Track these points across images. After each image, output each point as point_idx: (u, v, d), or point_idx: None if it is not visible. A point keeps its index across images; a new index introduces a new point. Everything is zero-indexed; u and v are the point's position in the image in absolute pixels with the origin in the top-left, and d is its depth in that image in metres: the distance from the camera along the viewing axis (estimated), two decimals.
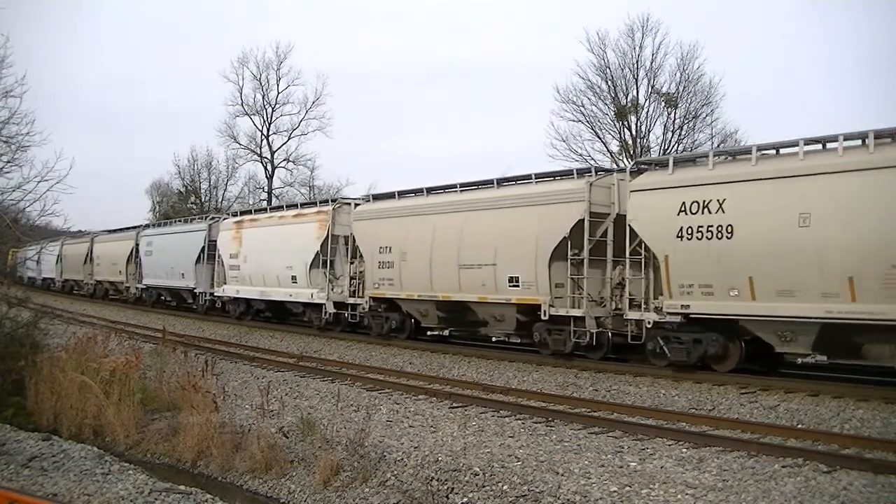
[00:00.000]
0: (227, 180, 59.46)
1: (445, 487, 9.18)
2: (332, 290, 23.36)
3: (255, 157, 55.71)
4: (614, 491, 8.33)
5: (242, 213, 31.05)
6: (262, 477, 10.81)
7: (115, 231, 44.03)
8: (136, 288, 37.73)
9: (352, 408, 12.99)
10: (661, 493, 8.18)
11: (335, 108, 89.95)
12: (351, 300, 22.85)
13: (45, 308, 22.47)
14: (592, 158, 35.77)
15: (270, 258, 26.08)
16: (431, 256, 19.69)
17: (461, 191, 20.09)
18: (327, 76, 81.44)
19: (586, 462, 9.47)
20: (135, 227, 40.44)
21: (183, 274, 32.71)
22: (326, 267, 23.41)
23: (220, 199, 59.14)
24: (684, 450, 10.03)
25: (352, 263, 22.96)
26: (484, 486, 8.95)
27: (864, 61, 68.58)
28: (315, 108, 53.81)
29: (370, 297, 21.81)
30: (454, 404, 13.39)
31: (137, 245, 37.66)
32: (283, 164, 55.45)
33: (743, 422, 11.56)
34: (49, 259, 50.06)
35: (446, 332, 21.58)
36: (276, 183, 55.67)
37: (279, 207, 28.94)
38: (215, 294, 29.97)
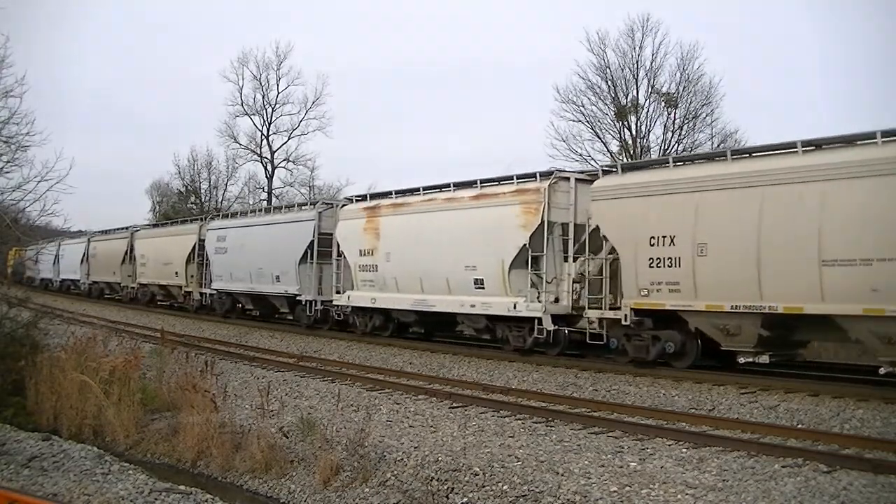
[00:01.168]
0: (227, 180, 59.41)
1: (445, 487, 9.18)
2: (543, 298, 17.24)
3: (255, 157, 55.69)
4: (614, 491, 8.33)
5: (374, 195, 23.14)
6: (262, 477, 10.81)
7: (163, 224, 40.80)
8: (202, 294, 31.94)
9: (352, 408, 12.99)
10: (661, 493, 8.18)
11: (335, 108, 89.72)
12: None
13: (45, 308, 22.50)
14: (593, 158, 35.73)
15: (434, 255, 19.61)
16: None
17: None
18: (327, 76, 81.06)
19: (586, 462, 9.47)
20: (195, 219, 36.83)
21: (278, 276, 25.86)
22: (539, 266, 17.32)
23: (220, 199, 59.15)
24: (684, 450, 10.03)
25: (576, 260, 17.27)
26: (484, 486, 8.95)
27: (864, 61, 68.58)
28: (315, 108, 53.74)
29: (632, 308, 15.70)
30: (454, 404, 13.39)
31: (202, 240, 31.84)
32: (283, 164, 55.40)
33: (743, 422, 11.55)
34: (71, 258, 47.53)
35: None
36: (276, 183, 55.68)
37: (440, 187, 20.38)
38: (335, 303, 23.13)
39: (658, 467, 9.18)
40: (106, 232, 45.15)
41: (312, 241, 24.34)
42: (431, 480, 9.36)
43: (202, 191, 60.80)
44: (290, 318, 26.37)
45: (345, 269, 22.72)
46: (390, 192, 22.07)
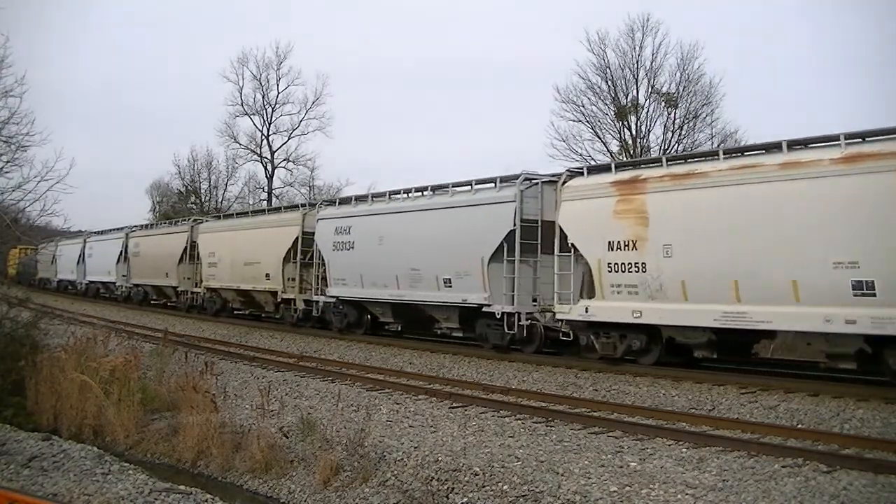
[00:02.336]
0: (227, 180, 59.42)
1: (445, 487, 9.18)
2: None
3: (255, 157, 55.69)
4: (614, 491, 8.33)
5: (627, 164, 18.34)
6: (262, 477, 10.81)
7: (242, 214, 33.46)
8: (310, 302, 25.27)
9: (352, 408, 12.99)
10: (661, 493, 8.18)
11: (335, 108, 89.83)
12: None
13: (45, 308, 22.50)
14: (593, 158, 35.72)
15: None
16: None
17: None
18: (327, 76, 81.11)
19: (586, 462, 9.47)
20: (294, 207, 30.22)
21: (449, 280, 19.27)
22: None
23: (220, 199, 59.16)
24: (684, 450, 10.03)
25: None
26: (484, 486, 8.95)
27: (864, 61, 68.55)
28: (315, 108, 53.74)
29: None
30: (454, 404, 13.38)
31: (307, 232, 25.17)
32: (283, 164, 55.40)
33: (743, 422, 11.55)
34: (101, 257, 42.74)
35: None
36: (276, 183, 55.65)
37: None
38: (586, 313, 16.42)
39: (658, 467, 9.18)
40: (151, 226, 41.88)
41: (514, 231, 17.82)
42: (431, 480, 9.36)
43: (202, 191, 60.88)
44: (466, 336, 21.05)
45: (583, 275, 16.79)
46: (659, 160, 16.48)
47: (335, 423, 11.59)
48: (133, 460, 11.94)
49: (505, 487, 8.79)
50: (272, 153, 55.14)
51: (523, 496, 8.55)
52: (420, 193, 21.30)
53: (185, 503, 9.45)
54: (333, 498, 9.78)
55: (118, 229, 42.43)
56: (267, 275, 26.75)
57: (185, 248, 31.73)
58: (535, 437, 10.96)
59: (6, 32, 16.40)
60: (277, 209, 32.18)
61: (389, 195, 22.72)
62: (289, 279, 25.86)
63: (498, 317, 18.00)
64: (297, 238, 25.46)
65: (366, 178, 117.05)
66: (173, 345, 19.11)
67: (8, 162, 16.54)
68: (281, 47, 57.73)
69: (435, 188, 20.87)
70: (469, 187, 19.88)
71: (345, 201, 24.56)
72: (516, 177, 18.28)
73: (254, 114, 54.71)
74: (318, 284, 24.37)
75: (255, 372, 17.75)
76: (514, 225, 17.66)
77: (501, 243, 17.87)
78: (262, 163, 55.61)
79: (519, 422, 11.97)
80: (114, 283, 38.27)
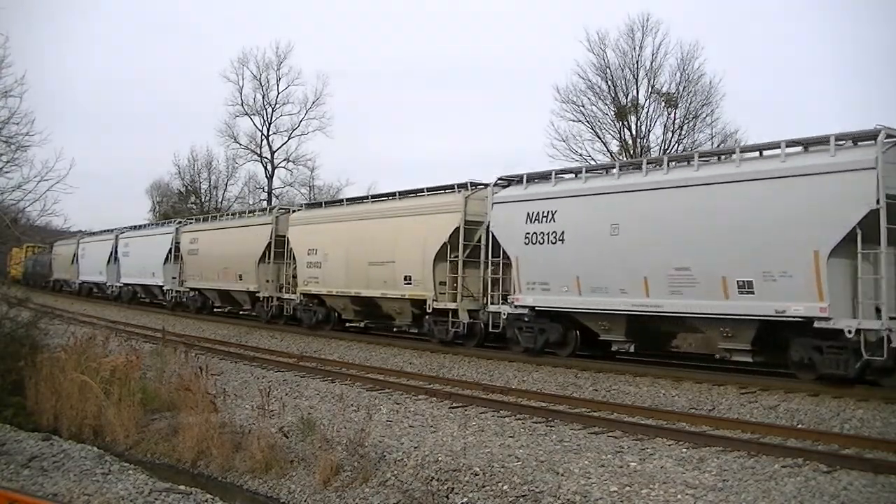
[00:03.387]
0: (227, 180, 59.45)
1: (445, 487, 9.17)
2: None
3: (255, 157, 55.71)
4: (614, 491, 8.33)
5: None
6: (262, 477, 10.80)
7: (375, 199, 24.15)
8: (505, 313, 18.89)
9: (352, 408, 12.99)
10: (661, 493, 8.18)
11: (335, 108, 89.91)
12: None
13: (45, 308, 22.50)
14: (593, 158, 35.73)
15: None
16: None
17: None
18: (327, 76, 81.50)
19: (586, 462, 9.47)
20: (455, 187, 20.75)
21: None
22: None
23: (220, 199, 59.15)
24: (684, 450, 10.03)
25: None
26: (484, 486, 8.95)
27: (864, 60, 68.57)
28: (315, 108, 53.75)
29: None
30: (454, 404, 13.38)
31: (471, 221, 19.49)
32: (283, 164, 55.43)
33: (743, 422, 11.56)
34: (139, 256, 37.64)
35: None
36: (276, 183, 55.64)
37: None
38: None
39: (658, 467, 9.18)
40: (212, 218, 36.02)
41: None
42: (431, 480, 9.36)
43: (202, 191, 60.87)
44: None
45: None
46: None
47: (335, 423, 11.59)
48: (133, 460, 11.94)
49: (505, 487, 8.79)
50: (272, 153, 55.20)
51: (523, 496, 8.55)
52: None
53: (185, 503, 9.44)
54: (333, 498, 9.77)
55: (161, 224, 39.49)
56: (407, 277, 20.68)
57: (269, 244, 26.73)
58: (535, 437, 10.96)
59: (6, 32, 16.44)
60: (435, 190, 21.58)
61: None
62: (439, 283, 19.80)
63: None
64: (457, 228, 19.49)
65: (366, 178, 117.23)
66: (173, 344, 19.08)
67: (8, 162, 16.57)
68: (281, 47, 57.84)
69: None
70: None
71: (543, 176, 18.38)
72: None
73: (254, 114, 54.78)
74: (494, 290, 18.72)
75: (255, 372, 17.77)
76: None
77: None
78: (262, 163, 55.68)
79: (519, 422, 11.97)
80: (160, 286, 34.87)
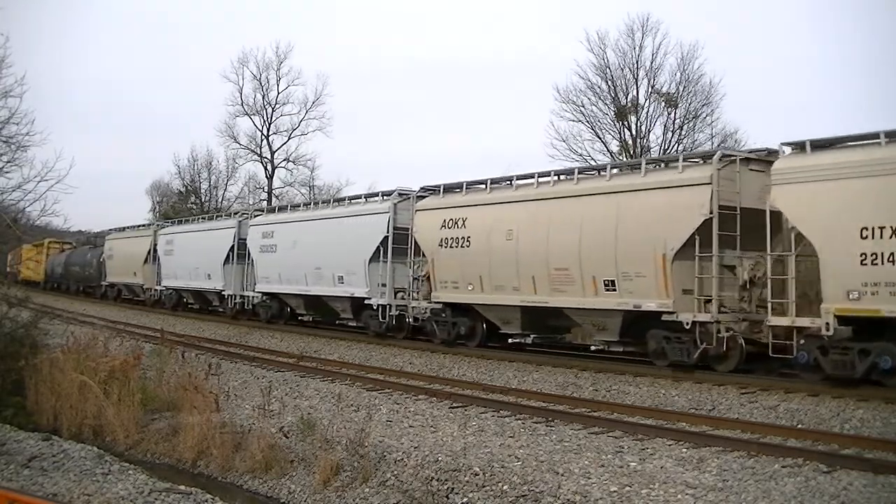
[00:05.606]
0: (227, 180, 59.32)
1: (445, 487, 9.18)
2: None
3: (255, 157, 55.62)
4: (614, 491, 8.33)
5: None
6: (262, 477, 10.81)
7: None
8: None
9: (352, 408, 12.99)
10: (661, 493, 8.18)
11: (335, 108, 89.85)
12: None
13: (45, 308, 22.49)
14: (592, 158, 35.73)
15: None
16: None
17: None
18: (327, 76, 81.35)
19: (586, 462, 9.46)
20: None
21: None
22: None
23: (220, 199, 59.11)
24: (684, 450, 10.03)
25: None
26: (484, 486, 8.95)
27: (865, 60, 68.56)
28: (315, 108, 53.66)
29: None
30: (454, 404, 13.38)
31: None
32: (283, 164, 55.34)
33: (743, 422, 11.55)
34: (201, 252, 30.55)
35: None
36: (276, 183, 55.62)
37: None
38: None
39: (658, 467, 9.18)
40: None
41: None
42: (431, 480, 9.36)
43: (202, 191, 60.83)
44: None
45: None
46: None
47: (335, 423, 11.59)
48: (133, 460, 11.95)
49: (505, 487, 8.79)
50: (272, 153, 55.11)
51: (523, 496, 8.55)
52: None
53: (185, 503, 9.45)
54: (333, 498, 9.78)
55: (224, 216, 34.74)
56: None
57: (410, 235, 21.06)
58: (535, 437, 10.96)
59: (6, 32, 16.43)
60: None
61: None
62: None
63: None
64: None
65: (366, 178, 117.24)
66: (172, 344, 19.04)
67: (8, 162, 16.58)
68: (281, 47, 57.68)
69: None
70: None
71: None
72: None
73: (254, 114, 54.68)
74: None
75: (255, 372, 17.77)
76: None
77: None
78: (262, 163, 55.59)
79: (519, 422, 11.97)
80: (219, 290, 29.70)
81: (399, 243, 21.00)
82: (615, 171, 16.57)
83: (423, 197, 20.77)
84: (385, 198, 22.33)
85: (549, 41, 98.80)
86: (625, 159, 33.02)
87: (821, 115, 61.27)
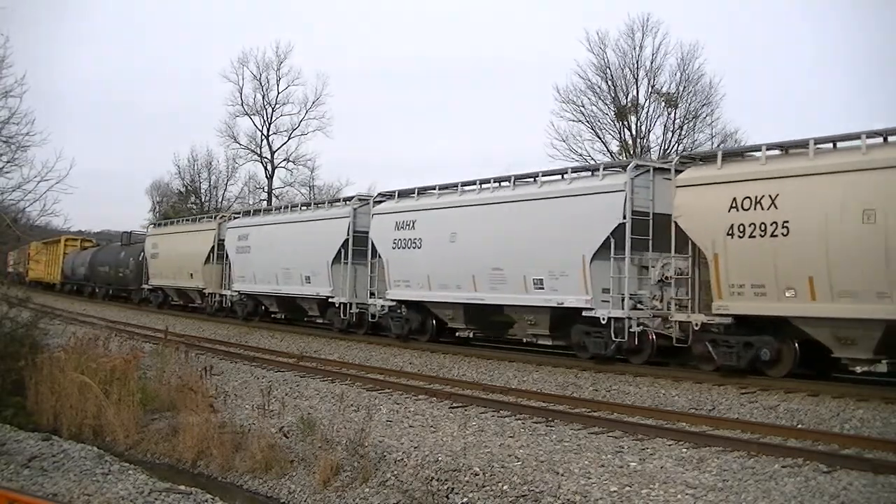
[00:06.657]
0: (227, 180, 59.44)
1: (445, 487, 9.17)
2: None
3: (255, 157, 55.71)
4: (614, 491, 8.33)
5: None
6: (262, 477, 10.81)
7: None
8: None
9: (352, 408, 12.98)
10: (661, 493, 8.17)
11: (335, 107, 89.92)
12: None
13: (45, 308, 22.50)
14: (592, 158, 35.78)
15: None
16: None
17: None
18: (327, 76, 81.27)
19: (586, 462, 9.46)
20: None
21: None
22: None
23: (220, 199, 59.14)
24: (684, 450, 10.02)
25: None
26: (484, 486, 8.95)
27: (865, 61, 68.56)
28: (315, 108, 53.81)
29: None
30: (454, 404, 13.38)
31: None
32: (283, 164, 55.44)
33: (743, 422, 11.55)
34: (307, 247, 24.45)
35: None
36: (276, 183, 55.65)
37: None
38: None
39: (658, 467, 9.18)
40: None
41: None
42: (431, 480, 9.36)
43: (202, 191, 60.86)
44: None
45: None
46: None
47: (335, 423, 11.59)
48: (133, 460, 11.95)
49: (505, 487, 8.78)
50: (272, 153, 55.19)
51: (523, 496, 8.55)
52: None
53: (185, 503, 9.45)
54: (333, 498, 9.78)
55: (330, 204, 26.16)
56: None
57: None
58: (535, 437, 10.96)
59: (6, 32, 16.44)
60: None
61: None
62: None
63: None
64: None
65: (366, 178, 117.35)
66: (173, 344, 19.03)
67: (8, 162, 16.58)
68: (281, 47, 57.69)
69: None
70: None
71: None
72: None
73: (254, 114, 54.78)
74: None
75: (255, 372, 17.76)
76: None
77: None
78: (262, 163, 55.68)
79: (519, 422, 11.97)
80: (324, 297, 24.07)
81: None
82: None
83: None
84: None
85: (549, 41, 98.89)
86: (625, 159, 33.00)
87: (821, 114, 61.25)
